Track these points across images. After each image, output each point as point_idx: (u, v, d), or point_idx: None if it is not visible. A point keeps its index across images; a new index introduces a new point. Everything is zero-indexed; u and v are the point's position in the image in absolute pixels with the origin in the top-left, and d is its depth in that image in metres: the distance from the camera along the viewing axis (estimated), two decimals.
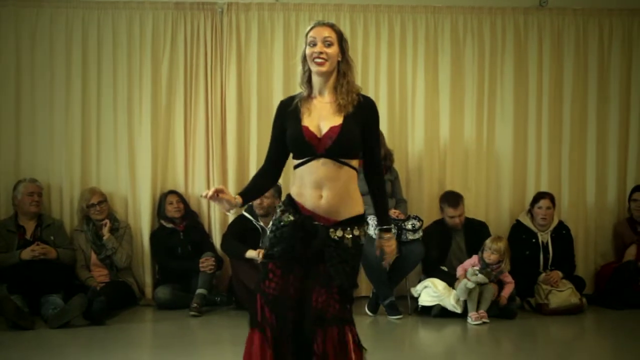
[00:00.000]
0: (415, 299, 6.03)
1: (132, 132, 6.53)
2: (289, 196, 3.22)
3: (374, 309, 6.03)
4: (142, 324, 5.87)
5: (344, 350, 3.05)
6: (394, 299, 5.93)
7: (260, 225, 6.10)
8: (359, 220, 3.18)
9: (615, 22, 6.84)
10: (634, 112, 6.88)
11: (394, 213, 5.91)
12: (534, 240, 6.35)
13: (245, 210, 6.15)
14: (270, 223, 6.01)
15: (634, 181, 6.82)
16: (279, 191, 6.09)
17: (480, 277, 5.70)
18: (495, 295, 5.79)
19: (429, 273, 6.10)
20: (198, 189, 6.47)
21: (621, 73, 6.84)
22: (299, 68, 3.21)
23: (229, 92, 6.54)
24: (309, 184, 3.12)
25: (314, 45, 3.12)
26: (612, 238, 6.87)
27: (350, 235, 3.12)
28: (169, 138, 6.60)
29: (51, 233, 6.09)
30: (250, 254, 5.88)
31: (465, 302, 5.72)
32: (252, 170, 6.29)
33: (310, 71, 3.16)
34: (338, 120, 3.10)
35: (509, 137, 6.77)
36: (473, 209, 6.62)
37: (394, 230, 5.81)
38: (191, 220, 6.42)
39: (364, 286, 6.29)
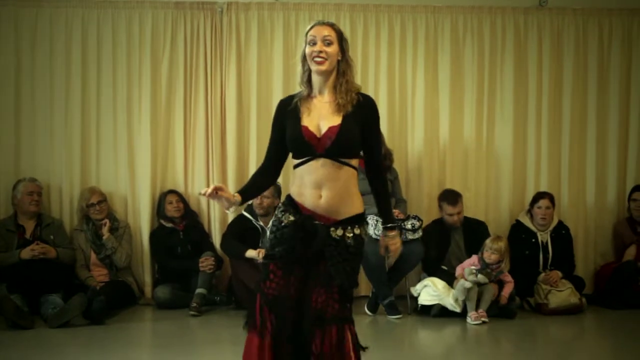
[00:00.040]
0: (415, 299, 6.03)
1: (131, 131, 6.53)
2: (288, 196, 3.22)
3: (374, 309, 6.03)
4: (142, 323, 5.87)
5: (341, 349, 3.05)
6: (394, 299, 5.93)
7: (260, 225, 6.10)
8: (359, 219, 3.18)
9: (615, 21, 6.84)
10: (633, 111, 6.88)
11: (393, 213, 5.90)
12: (533, 240, 6.35)
13: (245, 210, 6.15)
14: (270, 222, 6.05)
15: (633, 181, 6.82)
16: (278, 191, 6.09)
17: (480, 277, 5.71)
18: (495, 295, 5.79)
19: (429, 272, 6.10)
20: (198, 189, 6.46)
21: (621, 73, 6.84)
22: (299, 67, 3.21)
23: (229, 92, 6.54)
24: (308, 183, 3.12)
25: (314, 44, 3.12)
26: (611, 238, 6.87)
27: (351, 234, 3.12)
28: (169, 137, 6.60)
29: (51, 232, 6.09)
30: (250, 253, 5.88)
31: (464, 301, 5.72)
32: (252, 170, 6.29)
33: (310, 70, 3.16)
34: (337, 120, 3.10)
35: (509, 136, 6.78)
36: (473, 208, 6.63)
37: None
38: (191, 219, 6.42)
39: (364, 286, 6.29)
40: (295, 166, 3.16)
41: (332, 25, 3.18)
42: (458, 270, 5.89)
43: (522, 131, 6.80)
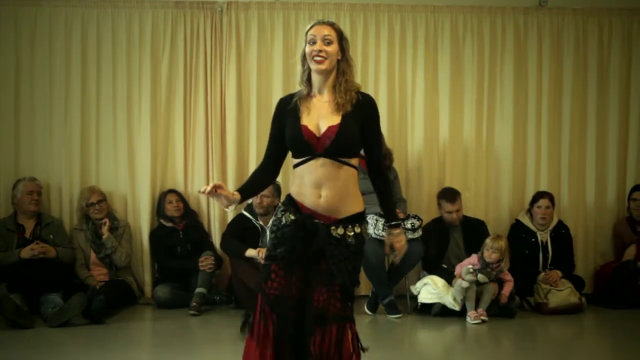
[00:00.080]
0: (415, 298, 6.03)
1: (131, 131, 6.53)
2: (289, 196, 3.21)
3: (374, 308, 6.03)
4: (142, 322, 5.87)
5: (340, 348, 3.04)
6: (394, 298, 5.93)
7: (260, 224, 6.10)
8: (360, 218, 3.17)
9: (614, 21, 6.84)
10: (633, 111, 6.88)
11: (396, 211, 5.91)
12: (533, 240, 6.36)
13: (245, 209, 6.15)
14: (270, 222, 6.05)
15: (633, 180, 6.82)
16: (278, 190, 6.09)
17: (481, 277, 5.71)
18: (495, 294, 5.79)
19: (429, 270, 6.10)
20: (197, 188, 6.41)
21: (621, 72, 6.84)
22: (299, 67, 3.20)
23: (229, 91, 6.54)
24: (308, 183, 3.11)
25: (314, 43, 3.11)
26: (611, 237, 6.87)
27: (352, 233, 3.12)
28: (169, 137, 6.60)
29: (50, 232, 6.09)
30: (250, 253, 5.88)
31: (463, 300, 5.73)
32: (252, 169, 6.20)
33: (310, 70, 3.16)
34: (336, 120, 3.10)
35: (509, 136, 6.78)
36: (472, 208, 6.63)
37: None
38: (191, 219, 6.42)
39: (363, 285, 6.28)
40: (295, 166, 3.16)
41: (332, 25, 3.18)
42: (457, 269, 5.89)
43: (522, 131, 6.80)
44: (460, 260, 6.02)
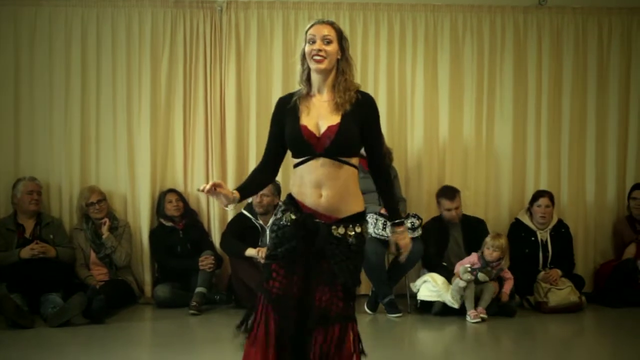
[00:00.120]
0: (415, 297, 6.03)
1: (131, 130, 6.53)
2: (289, 195, 3.21)
3: (374, 307, 6.03)
4: (142, 322, 5.87)
5: (342, 347, 3.04)
6: (394, 297, 5.94)
7: (260, 224, 6.10)
8: (360, 218, 3.17)
9: (614, 20, 6.84)
10: (633, 110, 6.88)
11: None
12: (533, 239, 6.36)
13: (245, 209, 6.15)
14: (270, 221, 6.06)
15: (633, 179, 6.83)
16: (278, 189, 6.10)
17: (481, 276, 5.72)
18: (495, 293, 5.80)
19: (429, 268, 6.10)
20: (197, 188, 6.45)
21: (620, 71, 6.84)
22: (298, 66, 3.20)
23: (228, 90, 6.54)
24: (308, 183, 3.11)
25: (313, 42, 3.11)
26: (611, 236, 6.88)
27: (353, 233, 3.12)
28: (168, 136, 6.60)
29: (50, 232, 6.09)
30: (250, 252, 5.89)
31: (462, 298, 5.74)
32: (251, 168, 6.18)
33: (309, 69, 3.15)
34: (336, 119, 3.10)
35: (508, 135, 6.78)
36: (472, 207, 6.63)
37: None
38: (190, 218, 6.42)
39: (364, 284, 6.27)
40: (295, 165, 3.16)
41: (331, 24, 3.17)
42: (457, 268, 5.89)
43: (521, 130, 6.80)
44: (460, 259, 6.02)
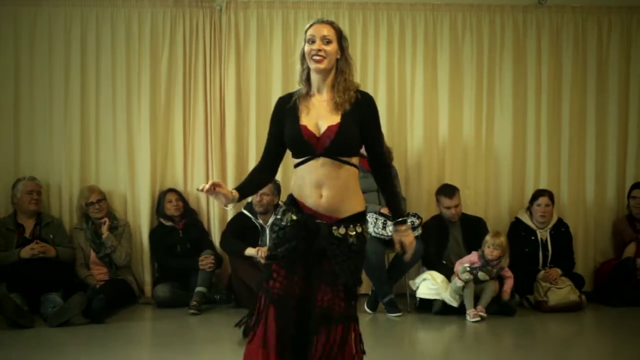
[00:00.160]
0: (415, 296, 6.04)
1: (131, 130, 6.53)
2: (290, 196, 3.21)
3: (373, 307, 6.03)
4: (142, 322, 5.87)
5: (344, 348, 3.04)
6: (394, 297, 5.94)
7: (260, 223, 6.10)
8: (361, 217, 3.17)
9: (613, 19, 6.84)
10: (632, 109, 6.88)
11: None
12: (533, 238, 6.36)
13: (244, 208, 6.15)
14: (270, 220, 6.07)
15: (633, 178, 6.83)
16: (278, 188, 6.10)
17: (481, 275, 5.73)
18: (496, 292, 5.80)
19: (429, 267, 6.10)
20: (197, 187, 6.45)
21: (620, 70, 6.84)
22: (298, 65, 3.20)
23: (228, 90, 6.54)
24: (309, 183, 3.11)
25: (313, 42, 3.10)
26: (611, 235, 6.87)
27: (354, 232, 3.11)
28: (168, 136, 6.60)
29: (50, 231, 6.09)
30: (249, 251, 5.89)
31: (461, 296, 5.74)
32: (251, 168, 6.25)
33: (309, 69, 3.15)
34: (336, 119, 3.09)
35: (508, 134, 6.78)
36: (472, 206, 6.64)
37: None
38: (190, 218, 6.42)
39: (364, 284, 6.27)
40: (296, 165, 3.16)
41: (331, 24, 3.17)
42: (457, 266, 5.90)
43: (521, 129, 6.80)
44: (460, 258, 6.01)
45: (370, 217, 5.70)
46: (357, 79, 3.31)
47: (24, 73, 6.44)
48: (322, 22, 3.17)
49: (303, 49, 3.14)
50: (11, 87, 6.42)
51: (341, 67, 3.15)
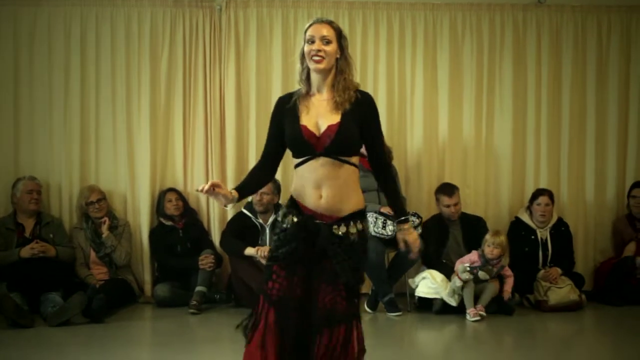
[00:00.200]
0: (414, 294, 6.04)
1: (131, 129, 6.53)
2: (291, 198, 3.21)
3: (373, 306, 6.04)
4: (142, 321, 5.87)
5: (347, 347, 3.04)
6: (393, 296, 5.94)
7: (260, 223, 6.10)
8: (361, 215, 3.17)
9: (613, 18, 6.84)
10: (632, 108, 6.88)
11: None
12: (533, 237, 6.36)
13: (244, 207, 6.15)
14: (270, 219, 6.06)
15: (633, 177, 6.82)
16: (278, 188, 6.10)
17: (482, 274, 5.73)
18: (496, 292, 5.80)
19: (429, 266, 6.10)
20: (197, 187, 6.44)
21: (620, 69, 6.84)
22: (298, 65, 3.20)
23: (228, 89, 6.54)
24: (309, 183, 3.11)
25: (312, 43, 3.10)
26: (611, 235, 6.87)
27: (355, 230, 3.11)
28: (168, 135, 6.60)
29: (50, 231, 6.09)
30: (249, 251, 5.88)
31: (461, 296, 5.74)
32: (251, 167, 6.28)
33: (309, 68, 3.15)
34: (336, 119, 3.09)
35: (508, 133, 6.78)
36: (472, 205, 6.64)
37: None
38: (190, 217, 6.42)
39: (364, 283, 6.29)
40: (296, 166, 3.15)
41: (330, 23, 3.16)
42: (457, 265, 5.89)
43: (521, 128, 6.80)
44: (460, 257, 6.01)
45: (370, 217, 5.70)
46: (357, 78, 3.31)
47: (23, 73, 6.44)
48: (321, 21, 3.16)
49: (302, 49, 3.14)
50: (11, 86, 6.42)
51: (341, 66, 3.15)
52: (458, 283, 5.71)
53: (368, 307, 6.05)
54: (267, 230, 6.04)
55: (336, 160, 3.08)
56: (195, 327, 5.62)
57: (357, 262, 3.13)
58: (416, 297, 6.01)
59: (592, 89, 6.83)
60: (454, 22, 6.71)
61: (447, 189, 6.29)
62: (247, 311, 3.23)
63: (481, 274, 5.73)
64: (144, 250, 6.47)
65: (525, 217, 6.43)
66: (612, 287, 6.29)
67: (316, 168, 3.08)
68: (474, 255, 5.87)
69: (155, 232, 6.43)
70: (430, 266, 6.06)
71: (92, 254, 6.17)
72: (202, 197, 6.56)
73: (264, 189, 5.74)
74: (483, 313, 5.67)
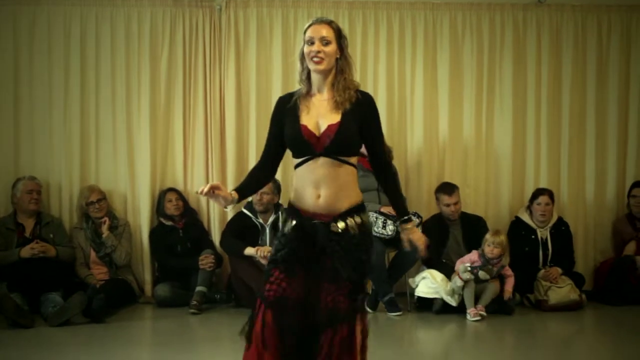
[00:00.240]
0: (414, 293, 6.04)
1: (131, 129, 6.53)
2: (289, 204, 3.21)
3: (374, 306, 6.03)
4: (142, 321, 5.88)
5: (352, 345, 3.03)
6: (394, 296, 5.94)
7: (260, 222, 6.10)
8: (360, 208, 3.16)
9: (613, 18, 6.84)
10: (632, 107, 6.88)
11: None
12: (533, 237, 6.36)
13: (245, 207, 6.15)
14: (271, 219, 6.06)
15: (633, 177, 6.82)
16: (278, 187, 6.10)
17: (482, 274, 5.73)
18: (497, 292, 5.80)
19: (428, 266, 6.10)
20: (197, 187, 6.39)
21: (620, 69, 6.84)
22: (298, 65, 3.19)
23: (228, 89, 6.54)
24: (308, 183, 3.10)
25: (312, 44, 3.09)
26: (611, 234, 6.87)
27: (354, 224, 3.10)
28: (168, 135, 6.60)
29: (50, 231, 6.09)
30: (249, 251, 5.88)
31: (461, 295, 5.74)
32: (251, 167, 6.27)
33: (309, 69, 3.15)
34: (336, 118, 3.09)
35: (508, 133, 6.78)
36: (472, 205, 6.64)
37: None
38: (190, 217, 6.42)
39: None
40: (296, 167, 3.15)
41: (330, 24, 3.15)
42: (457, 265, 5.89)
43: (521, 128, 6.80)
44: (460, 257, 6.01)
45: (371, 217, 5.69)
46: (357, 78, 3.30)
47: (23, 72, 6.44)
48: (320, 22, 3.15)
49: (302, 50, 3.14)
50: (11, 86, 6.42)
51: (341, 66, 3.14)
52: (459, 283, 5.71)
53: (368, 306, 6.03)
54: (267, 230, 6.04)
55: (335, 160, 3.08)
56: (195, 327, 5.62)
57: (359, 256, 3.10)
58: (416, 297, 6.02)
59: (592, 89, 6.82)
60: (454, 21, 6.71)
61: (447, 188, 6.29)
62: (247, 311, 3.23)
63: (481, 274, 5.73)
64: (144, 250, 6.47)
65: (525, 217, 6.43)
66: (612, 287, 6.29)
67: (315, 168, 3.08)
68: (474, 255, 5.87)
69: (156, 232, 6.43)
70: (430, 266, 6.06)
71: (92, 254, 6.17)
72: (202, 197, 6.53)
73: (264, 189, 5.73)
74: (483, 313, 5.67)
